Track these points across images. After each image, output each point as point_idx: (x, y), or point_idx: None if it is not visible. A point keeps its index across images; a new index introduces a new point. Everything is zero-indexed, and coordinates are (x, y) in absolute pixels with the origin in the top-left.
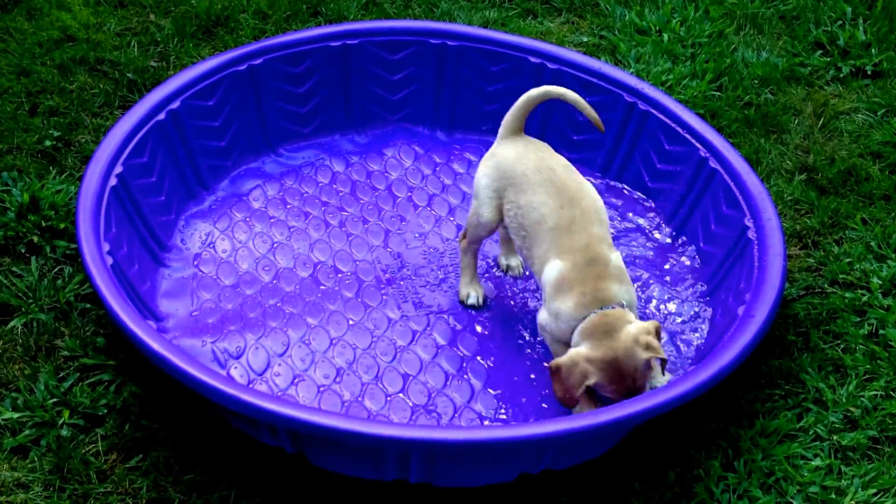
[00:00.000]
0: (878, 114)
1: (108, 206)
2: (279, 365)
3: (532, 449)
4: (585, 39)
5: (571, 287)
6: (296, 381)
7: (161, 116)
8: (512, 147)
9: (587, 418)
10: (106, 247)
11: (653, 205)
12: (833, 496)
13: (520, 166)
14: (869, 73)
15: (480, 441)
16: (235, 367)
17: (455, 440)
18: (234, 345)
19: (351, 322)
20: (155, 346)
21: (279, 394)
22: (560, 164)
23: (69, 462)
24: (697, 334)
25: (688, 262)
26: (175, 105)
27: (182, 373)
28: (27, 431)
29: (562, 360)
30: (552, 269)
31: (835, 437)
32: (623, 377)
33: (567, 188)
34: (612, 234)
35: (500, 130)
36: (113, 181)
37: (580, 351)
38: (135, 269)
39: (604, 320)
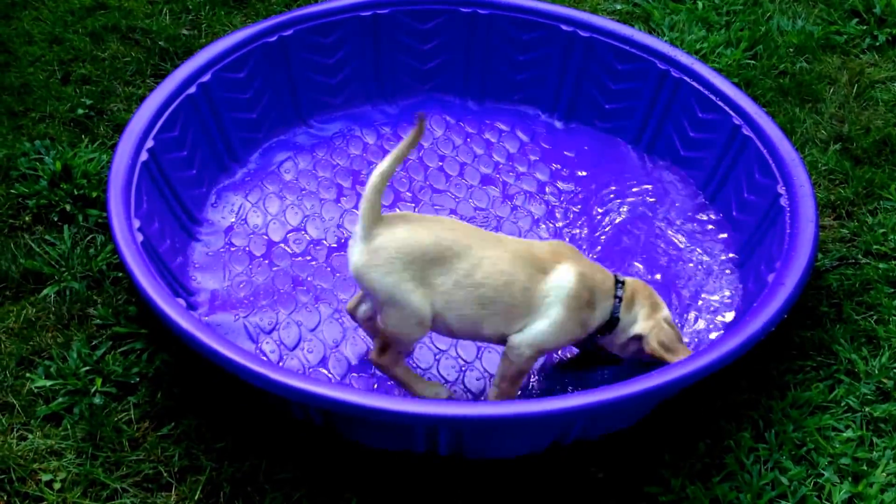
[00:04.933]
0: None
1: (139, 181)
2: (310, 340)
3: (561, 421)
4: (619, 7)
5: (592, 284)
6: (327, 356)
7: (192, 90)
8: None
9: (614, 390)
10: (136, 223)
11: (686, 173)
12: (864, 468)
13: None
14: None
15: (509, 416)
16: (267, 343)
17: (484, 416)
18: (266, 320)
19: None
20: (185, 325)
21: (310, 369)
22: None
23: (102, 430)
24: (729, 301)
25: (720, 230)
26: (206, 78)
27: (214, 353)
28: (60, 399)
29: (657, 331)
30: (560, 286)
31: (867, 409)
32: None
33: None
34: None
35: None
36: (144, 156)
37: (658, 316)
38: (166, 245)
39: (633, 287)
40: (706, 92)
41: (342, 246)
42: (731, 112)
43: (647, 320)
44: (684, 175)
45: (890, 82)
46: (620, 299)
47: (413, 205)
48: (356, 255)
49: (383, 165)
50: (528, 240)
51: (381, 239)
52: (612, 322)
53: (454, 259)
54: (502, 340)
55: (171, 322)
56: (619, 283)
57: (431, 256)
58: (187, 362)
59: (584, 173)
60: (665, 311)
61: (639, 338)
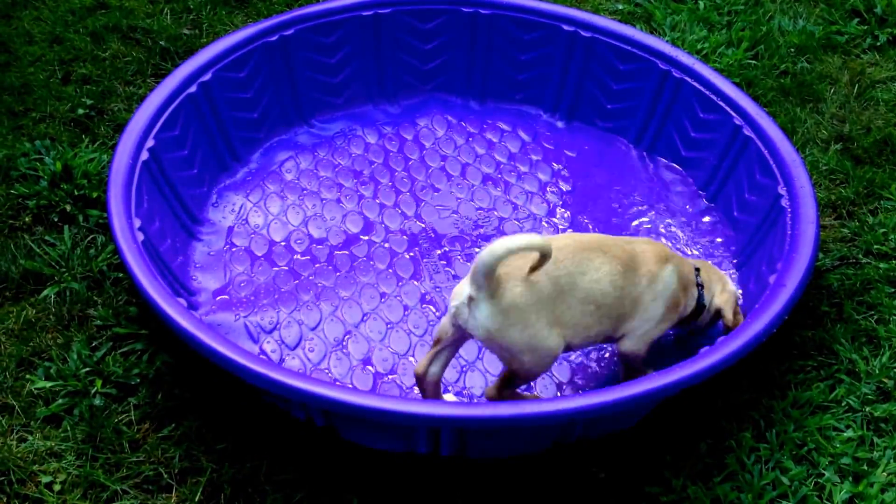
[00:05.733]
0: None
1: (139, 181)
2: (311, 339)
3: (562, 422)
4: (621, 7)
5: (685, 280)
6: (329, 355)
7: (192, 89)
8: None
9: (615, 392)
10: (137, 223)
11: (686, 173)
12: (865, 468)
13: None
14: None
15: (510, 417)
16: (268, 342)
17: (485, 416)
18: (266, 319)
19: (383, 294)
20: (185, 325)
21: (312, 369)
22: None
23: (102, 431)
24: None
25: (722, 230)
26: (206, 77)
27: (214, 353)
28: (60, 401)
29: (732, 303)
30: (664, 289)
31: (867, 409)
32: None
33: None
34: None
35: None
36: (144, 155)
37: (729, 288)
38: (167, 244)
39: (706, 271)
40: (707, 92)
41: (343, 245)
42: (732, 112)
43: (721, 294)
44: (685, 175)
45: (891, 82)
46: (702, 286)
47: (415, 204)
48: (486, 318)
49: (496, 251)
50: (623, 239)
51: (509, 296)
52: (700, 308)
53: (572, 289)
54: (605, 340)
55: (172, 322)
56: (696, 271)
57: (554, 296)
58: (188, 363)
59: (586, 173)
60: (731, 285)
61: (718, 311)
